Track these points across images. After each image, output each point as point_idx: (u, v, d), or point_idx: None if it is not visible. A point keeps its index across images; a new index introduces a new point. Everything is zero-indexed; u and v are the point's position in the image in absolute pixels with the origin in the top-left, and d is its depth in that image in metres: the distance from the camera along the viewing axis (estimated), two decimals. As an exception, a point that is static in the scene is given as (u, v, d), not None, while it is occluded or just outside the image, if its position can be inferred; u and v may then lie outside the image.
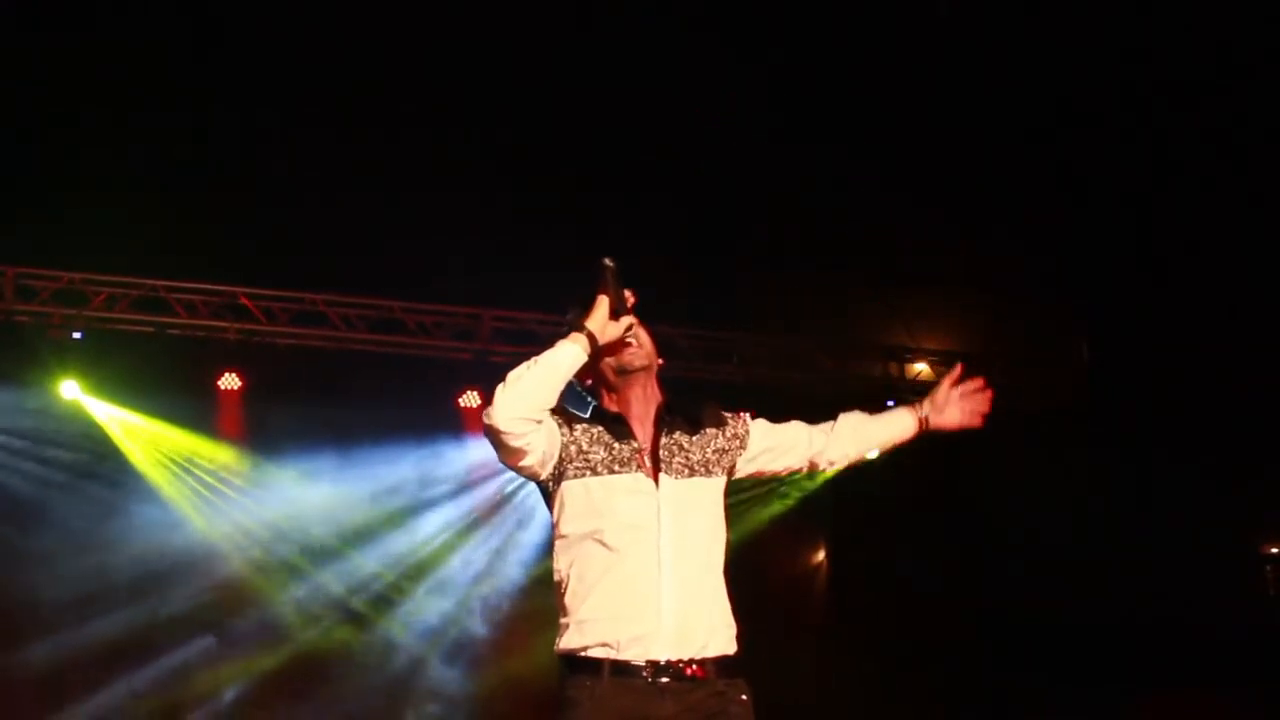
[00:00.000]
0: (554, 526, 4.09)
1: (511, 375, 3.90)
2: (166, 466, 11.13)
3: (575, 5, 10.26)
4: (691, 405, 4.21)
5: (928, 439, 4.49)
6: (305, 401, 11.13)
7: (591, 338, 3.95)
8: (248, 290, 10.95)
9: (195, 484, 11.23)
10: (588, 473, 4.01)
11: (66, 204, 10.19)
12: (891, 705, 11.56)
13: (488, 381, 10.56)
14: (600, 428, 4.07)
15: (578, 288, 4.00)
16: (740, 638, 4.04)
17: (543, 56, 10.35)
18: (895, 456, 10.79)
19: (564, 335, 3.97)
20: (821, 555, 12.54)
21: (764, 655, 4.45)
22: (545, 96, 10.55)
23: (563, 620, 4.00)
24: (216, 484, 11.33)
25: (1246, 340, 11.01)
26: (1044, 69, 10.33)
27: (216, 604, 11.19)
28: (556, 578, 4.04)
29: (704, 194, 11.00)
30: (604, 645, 3.88)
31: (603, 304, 3.98)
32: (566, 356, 3.92)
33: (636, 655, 3.85)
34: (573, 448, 4.02)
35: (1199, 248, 11.04)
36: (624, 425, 4.07)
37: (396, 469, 11.50)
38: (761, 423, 4.29)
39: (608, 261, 4.00)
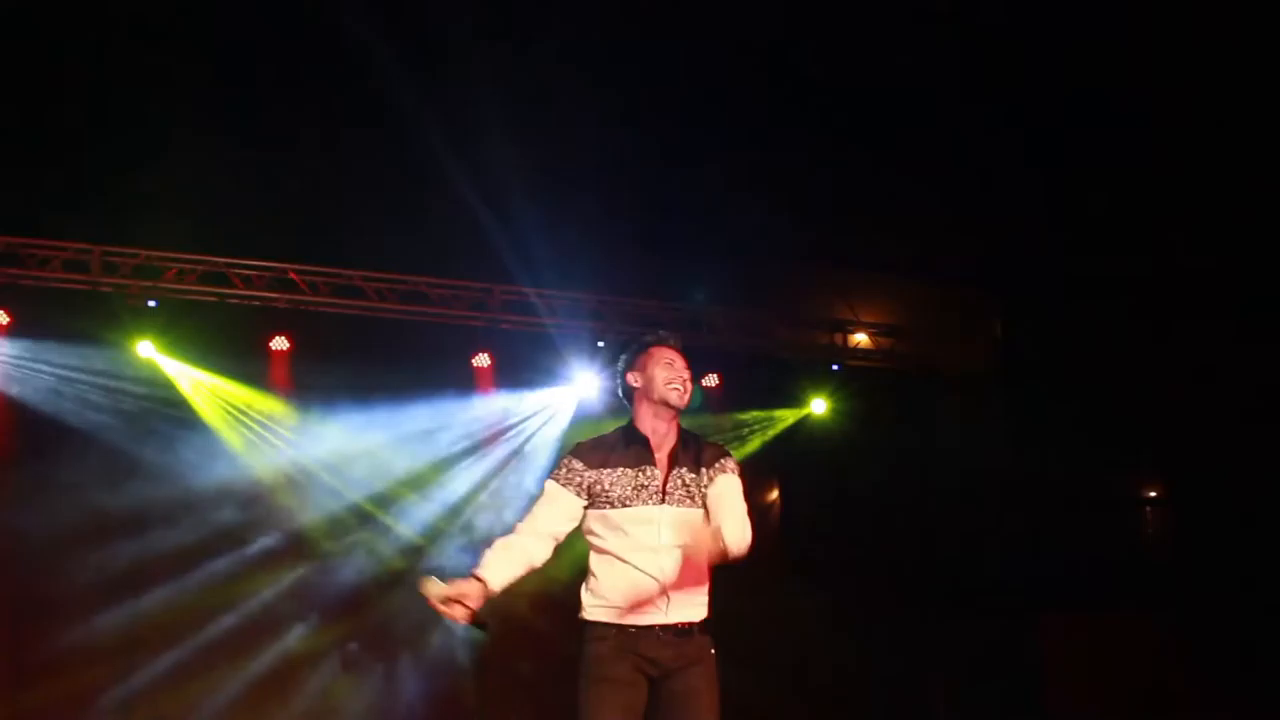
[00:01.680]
0: (586, 533, 4.99)
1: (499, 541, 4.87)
2: (225, 413, 11.59)
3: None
4: (700, 449, 5.03)
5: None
6: (343, 360, 11.57)
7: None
8: (296, 266, 11.50)
9: (249, 428, 11.67)
10: (607, 506, 4.91)
11: (145, 190, 10.57)
12: (830, 631, 12.26)
13: (497, 345, 12.15)
14: (627, 454, 4.91)
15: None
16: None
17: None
18: (843, 409, 12.62)
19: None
20: (775, 494, 13.13)
21: (720, 584, 5.17)
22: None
23: (589, 600, 4.95)
24: (266, 430, 11.77)
25: (1138, 315, 11.56)
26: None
27: (258, 522, 11.60)
28: (589, 570, 4.97)
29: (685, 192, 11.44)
30: (619, 619, 4.85)
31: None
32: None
33: (649, 622, 4.83)
34: (597, 486, 4.91)
35: (1104, 233, 11.40)
36: (648, 453, 4.91)
37: (418, 419, 11.83)
38: (724, 479, 5.00)
39: None
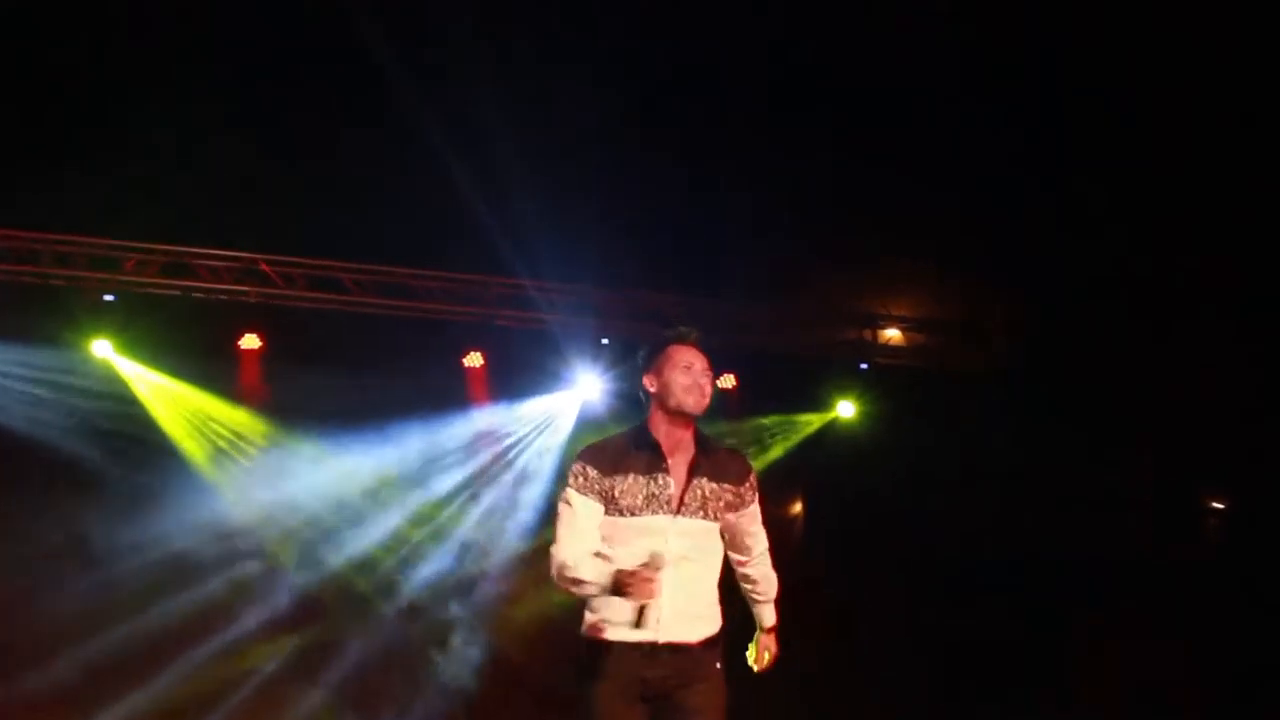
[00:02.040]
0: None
1: (561, 559, 4.74)
2: (189, 424, 11.11)
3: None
4: (722, 459, 5.02)
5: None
6: (320, 361, 11.15)
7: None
8: (268, 257, 11.06)
9: (215, 443, 11.16)
10: (616, 514, 4.83)
11: (100, 174, 10.13)
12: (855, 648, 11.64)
13: (492, 343, 11.23)
14: (639, 460, 4.86)
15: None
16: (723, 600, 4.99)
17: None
18: (873, 412, 11.87)
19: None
20: (799, 507, 12.59)
21: (740, 605, 5.27)
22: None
23: (589, 615, 4.89)
24: (234, 447, 11.26)
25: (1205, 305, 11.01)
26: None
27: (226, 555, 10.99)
28: None
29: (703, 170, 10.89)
30: (616, 634, 4.79)
31: None
32: (592, 589, 4.72)
33: (639, 639, 4.75)
34: (613, 491, 4.85)
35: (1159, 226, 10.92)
36: (660, 460, 4.87)
37: (406, 432, 11.31)
38: (753, 507, 5.09)
39: None
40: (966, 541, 11.77)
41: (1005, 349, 12.10)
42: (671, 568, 4.66)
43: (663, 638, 4.74)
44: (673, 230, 11.34)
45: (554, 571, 4.72)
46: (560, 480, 4.82)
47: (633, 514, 4.80)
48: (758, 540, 5.14)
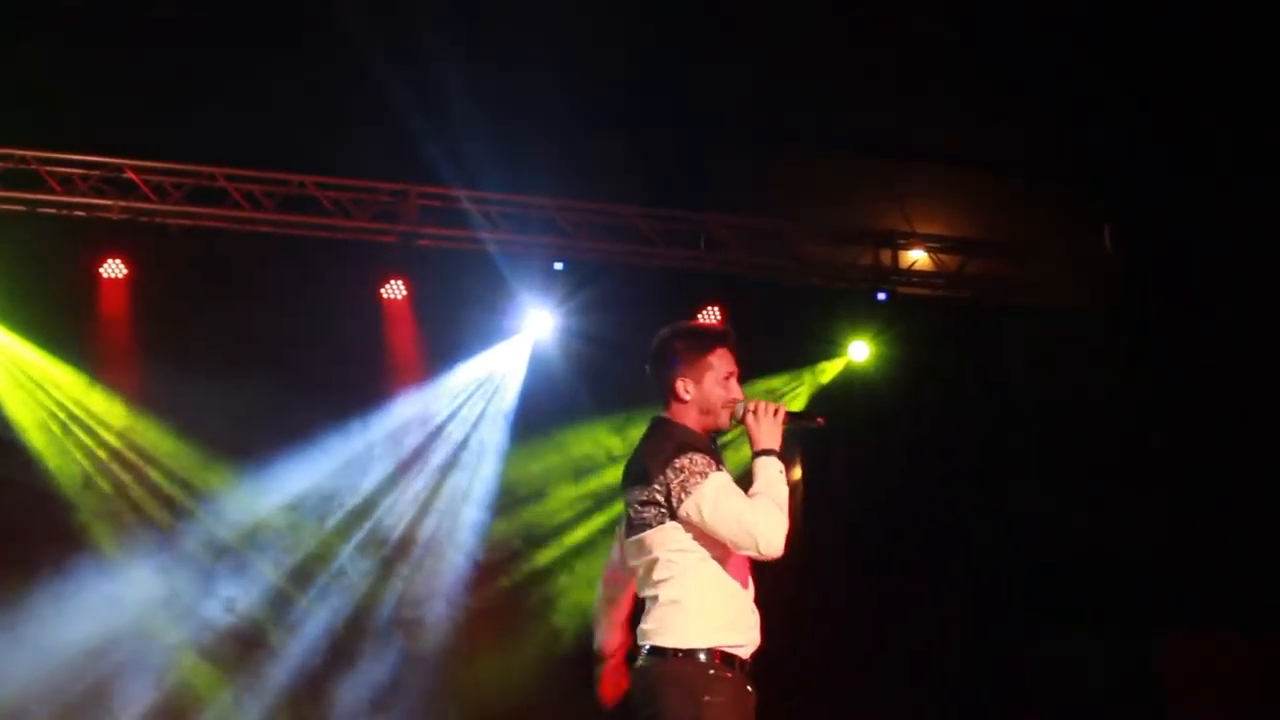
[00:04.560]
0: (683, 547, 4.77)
1: (775, 512, 4.49)
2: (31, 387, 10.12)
3: None
4: None
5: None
6: (202, 295, 10.29)
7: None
8: (134, 162, 10.25)
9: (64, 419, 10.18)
10: None
11: None
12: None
13: (417, 269, 9.61)
14: (716, 453, 4.82)
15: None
16: None
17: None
18: (892, 355, 11.46)
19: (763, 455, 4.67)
20: (797, 474, 11.40)
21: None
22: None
23: (705, 625, 4.69)
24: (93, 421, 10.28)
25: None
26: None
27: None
28: (685, 589, 4.78)
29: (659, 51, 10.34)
30: (745, 648, 4.69)
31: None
32: (780, 475, 4.62)
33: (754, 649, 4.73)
34: None
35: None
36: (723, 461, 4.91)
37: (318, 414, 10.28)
38: None
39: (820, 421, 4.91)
40: (1007, 519, 11.39)
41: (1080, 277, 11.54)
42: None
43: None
44: (641, 125, 10.88)
45: (777, 535, 4.52)
46: (680, 485, 4.49)
47: None
48: None
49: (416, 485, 10.93)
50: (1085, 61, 10.43)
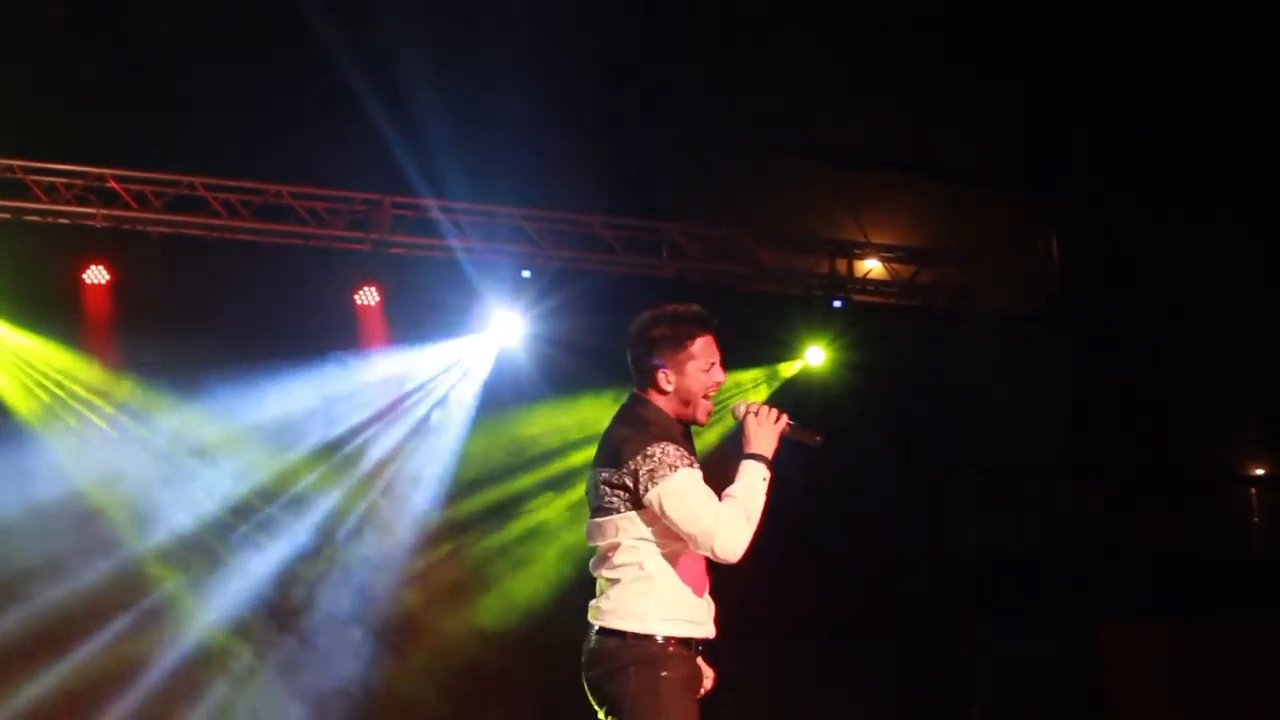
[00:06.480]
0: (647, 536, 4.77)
1: (741, 520, 4.44)
2: (26, 379, 10.20)
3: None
4: None
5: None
6: (183, 300, 10.28)
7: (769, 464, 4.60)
8: (118, 172, 10.39)
9: (59, 402, 10.28)
10: None
11: None
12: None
13: (388, 276, 9.93)
14: (689, 443, 4.82)
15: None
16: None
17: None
18: (848, 360, 11.35)
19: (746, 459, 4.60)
20: None
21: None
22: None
23: (657, 611, 4.70)
24: (84, 405, 10.37)
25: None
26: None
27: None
28: (645, 575, 4.78)
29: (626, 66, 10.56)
30: (698, 631, 4.74)
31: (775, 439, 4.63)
32: (763, 483, 4.55)
33: (704, 635, 4.73)
34: None
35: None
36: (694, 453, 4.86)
37: (288, 394, 10.39)
38: None
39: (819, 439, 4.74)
40: (956, 517, 11.38)
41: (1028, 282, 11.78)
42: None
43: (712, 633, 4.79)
44: (607, 137, 11.19)
45: (736, 542, 4.47)
46: (649, 474, 4.41)
47: None
48: None
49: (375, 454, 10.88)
50: (1032, 73, 10.85)
